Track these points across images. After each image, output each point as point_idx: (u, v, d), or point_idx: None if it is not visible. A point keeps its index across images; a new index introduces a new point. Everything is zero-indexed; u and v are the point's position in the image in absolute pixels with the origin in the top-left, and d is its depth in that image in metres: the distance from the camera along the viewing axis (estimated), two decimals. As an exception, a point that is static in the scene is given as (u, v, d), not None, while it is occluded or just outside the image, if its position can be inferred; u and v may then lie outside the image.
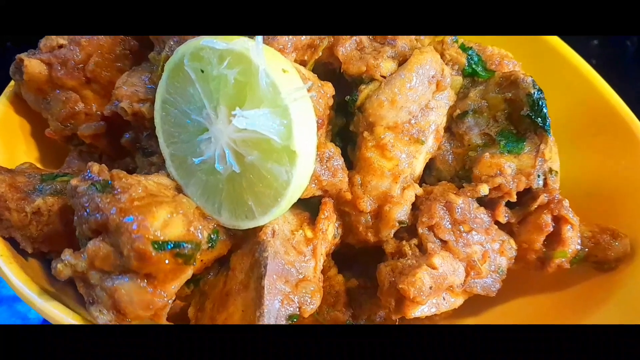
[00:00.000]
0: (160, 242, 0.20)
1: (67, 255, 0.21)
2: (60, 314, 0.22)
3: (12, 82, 0.33)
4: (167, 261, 0.20)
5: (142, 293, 0.21)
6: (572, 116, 0.36)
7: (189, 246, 0.21)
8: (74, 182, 0.22)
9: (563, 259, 0.28)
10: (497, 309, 0.33)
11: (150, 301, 0.21)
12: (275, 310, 0.22)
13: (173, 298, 0.22)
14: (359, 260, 0.31)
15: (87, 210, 0.21)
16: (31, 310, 0.27)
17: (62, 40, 0.31)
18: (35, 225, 0.25)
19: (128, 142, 0.30)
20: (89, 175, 0.22)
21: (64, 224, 0.26)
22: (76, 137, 0.32)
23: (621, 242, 0.29)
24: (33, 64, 0.30)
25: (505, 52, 0.29)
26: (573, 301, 0.31)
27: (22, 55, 0.30)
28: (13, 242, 0.26)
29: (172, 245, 0.20)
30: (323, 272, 0.28)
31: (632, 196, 0.32)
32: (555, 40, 0.36)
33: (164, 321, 0.23)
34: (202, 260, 0.24)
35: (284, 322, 0.23)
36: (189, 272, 0.22)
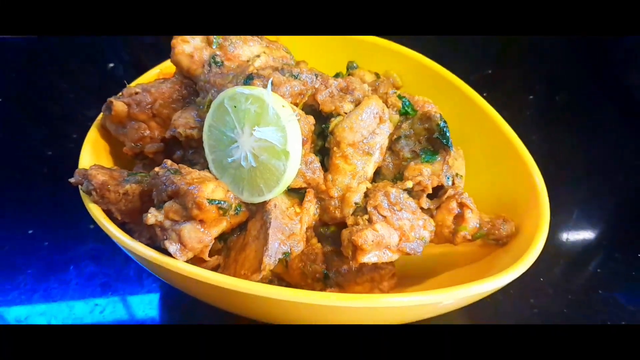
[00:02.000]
0: (210, 200, 0.35)
1: (153, 210, 0.36)
2: (144, 249, 0.36)
3: (99, 116, 0.49)
4: (213, 211, 0.35)
5: (197, 232, 0.35)
6: (485, 147, 0.51)
7: (226, 204, 0.35)
8: (156, 169, 0.37)
9: (465, 232, 0.42)
10: (438, 278, 0.47)
11: (201, 238, 0.35)
12: (275, 248, 0.37)
13: (213, 240, 0.36)
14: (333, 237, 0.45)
15: (165, 184, 0.36)
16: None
17: (137, 89, 0.46)
18: (124, 202, 0.40)
19: (178, 158, 0.45)
20: (165, 165, 0.37)
21: (141, 203, 0.40)
22: (142, 153, 0.47)
23: (509, 224, 0.43)
24: (118, 104, 0.45)
25: (427, 99, 0.45)
26: (486, 261, 0.44)
27: (111, 98, 0.46)
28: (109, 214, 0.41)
29: (216, 202, 0.35)
30: (307, 240, 0.42)
31: (519, 202, 0.46)
32: (472, 92, 0.52)
33: (206, 256, 0.37)
34: (230, 222, 0.38)
35: (280, 257, 0.37)
36: (224, 223, 0.36)
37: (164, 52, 0.58)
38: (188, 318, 0.50)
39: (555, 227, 0.58)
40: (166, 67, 0.55)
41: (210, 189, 0.35)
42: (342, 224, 0.42)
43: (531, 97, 0.76)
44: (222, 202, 0.35)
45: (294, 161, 0.37)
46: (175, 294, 0.52)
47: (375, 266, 0.42)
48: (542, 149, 0.68)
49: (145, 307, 0.50)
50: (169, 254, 0.36)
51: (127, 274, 0.54)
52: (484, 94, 0.73)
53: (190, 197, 0.34)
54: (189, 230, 0.35)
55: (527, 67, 0.80)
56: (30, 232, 0.57)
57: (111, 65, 0.80)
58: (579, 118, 0.73)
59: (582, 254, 0.56)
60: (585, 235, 0.58)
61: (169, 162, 0.37)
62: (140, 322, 0.49)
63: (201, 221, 0.35)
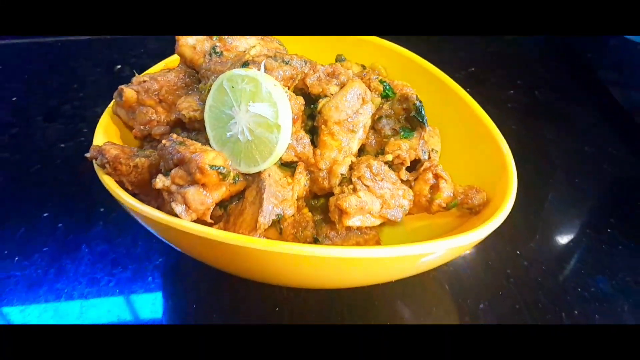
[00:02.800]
0: (211, 165, 0.39)
1: (161, 176, 0.40)
2: (153, 211, 0.40)
3: (110, 104, 0.54)
4: (214, 176, 0.39)
5: (200, 194, 0.40)
6: (460, 127, 0.56)
7: (225, 170, 0.40)
8: (163, 142, 0.42)
9: (440, 200, 0.47)
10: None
11: (203, 200, 0.40)
12: (269, 210, 0.41)
13: (215, 203, 0.41)
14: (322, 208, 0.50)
15: (171, 154, 0.41)
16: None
17: (145, 78, 0.52)
18: (134, 174, 0.45)
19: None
20: (171, 138, 0.42)
21: (149, 175, 0.45)
22: (149, 136, 0.52)
23: (481, 194, 0.48)
24: (128, 91, 0.50)
25: (405, 83, 0.50)
26: (461, 230, 0.48)
27: (122, 86, 0.51)
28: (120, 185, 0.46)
29: (217, 168, 0.40)
30: (299, 209, 0.47)
31: (490, 175, 0.50)
32: (450, 81, 0.57)
33: (208, 219, 0.41)
34: (229, 190, 0.43)
35: (274, 217, 0.41)
36: (223, 189, 0.41)
37: (167, 56, 0.64)
38: (189, 288, 0.54)
39: (531, 207, 0.63)
40: (171, 61, 0.60)
41: (211, 156, 0.40)
42: (330, 195, 0.47)
43: (512, 91, 0.81)
44: (222, 168, 0.40)
45: (285, 134, 0.42)
46: (178, 270, 0.56)
47: (360, 231, 0.46)
48: (520, 137, 0.73)
49: (152, 279, 0.55)
50: (175, 217, 0.40)
51: (134, 252, 0.58)
52: (468, 90, 0.78)
53: (194, 163, 0.39)
54: (193, 193, 0.40)
55: (508, 65, 0.85)
56: (45, 215, 0.62)
57: (118, 67, 0.85)
58: (555, 110, 0.78)
59: (556, 231, 0.61)
60: (559, 214, 0.63)
61: (174, 135, 0.42)
62: (150, 292, 0.54)
63: (204, 185, 0.40)
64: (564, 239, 0.60)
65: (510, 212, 0.60)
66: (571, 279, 0.55)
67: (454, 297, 0.54)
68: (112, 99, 0.52)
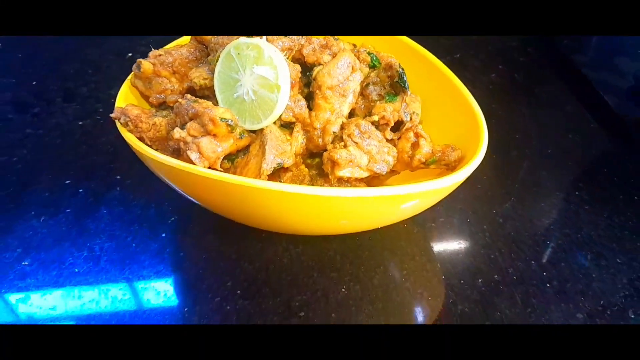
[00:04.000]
0: (222, 117, 0.46)
1: (177, 129, 0.47)
2: (170, 159, 0.47)
3: (129, 76, 0.61)
4: (223, 127, 0.46)
5: (211, 143, 0.46)
6: (439, 96, 0.62)
7: (233, 122, 0.47)
8: (180, 100, 0.48)
9: (420, 156, 0.53)
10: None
11: (214, 149, 0.46)
12: (270, 159, 0.48)
13: (224, 153, 0.47)
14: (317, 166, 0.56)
15: (187, 109, 0.47)
16: None
17: (161, 52, 0.58)
18: (153, 131, 0.51)
19: (193, 105, 0.57)
20: (187, 97, 0.49)
21: (166, 132, 0.52)
22: (164, 103, 0.58)
23: (457, 151, 0.54)
24: (146, 63, 0.57)
25: (390, 54, 0.57)
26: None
27: (140, 59, 0.58)
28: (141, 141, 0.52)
29: (226, 120, 0.46)
30: (296, 165, 0.54)
31: (466, 136, 0.56)
32: (433, 58, 0.63)
33: (218, 167, 0.48)
34: (236, 144, 0.49)
35: (275, 165, 0.48)
36: (231, 140, 0.47)
37: None
38: (198, 241, 0.60)
39: (508, 173, 0.69)
40: (182, 40, 0.67)
41: (221, 110, 0.46)
42: (324, 152, 0.54)
43: (493, 75, 0.88)
44: (230, 120, 0.47)
45: (284, 94, 0.49)
46: (188, 227, 0.62)
47: (350, 183, 0.53)
48: (500, 114, 0.80)
49: (165, 235, 0.61)
50: (190, 165, 0.47)
51: (148, 212, 0.65)
52: (454, 74, 0.85)
53: (206, 116, 0.46)
54: (206, 142, 0.46)
55: (490, 52, 0.92)
56: (67, 182, 0.68)
57: (129, 54, 0.92)
58: (532, 90, 0.85)
59: (529, 193, 0.67)
60: (532, 179, 0.69)
61: (189, 95, 0.49)
62: (163, 246, 0.60)
63: (215, 135, 0.46)
64: (536, 200, 0.66)
65: (489, 178, 0.67)
66: (541, 233, 0.62)
67: (435, 247, 0.60)
68: (123, 82, 0.59)
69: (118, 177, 0.69)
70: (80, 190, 0.67)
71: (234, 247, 0.59)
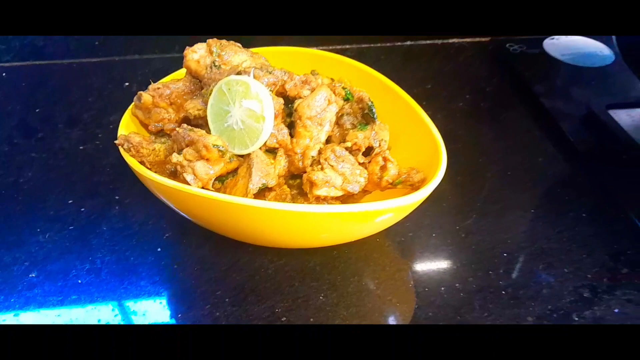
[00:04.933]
0: (214, 144, 0.53)
1: (175, 154, 0.54)
2: (168, 180, 0.54)
3: (130, 106, 0.68)
4: (215, 152, 0.53)
5: (205, 167, 0.53)
6: (405, 126, 0.70)
7: (224, 148, 0.54)
8: (177, 129, 0.56)
9: (388, 177, 0.61)
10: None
11: (207, 171, 0.53)
12: (256, 180, 0.55)
13: (216, 175, 0.54)
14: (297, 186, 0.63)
15: (183, 137, 0.54)
16: None
17: (159, 85, 0.66)
18: (152, 156, 0.58)
19: (188, 132, 0.64)
20: (183, 127, 0.56)
21: (164, 157, 0.59)
22: (162, 131, 0.65)
23: (420, 173, 0.61)
24: (146, 96, 0.64)
25: (362, 89, 0.65)
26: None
27: (141, 92, 0.65)
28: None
29: (217, 146, 0.53)
30: (279, 185, 0.61)
31: (428, 161, 0.63)
32: (400, 90, 0.72)
33: (210, 187, 0.55)
34: (226, 167, 0.56)
35: (260, 186, 0.55)
36: (222, 164, 0.54)
37: (168, 73, 0.78)
38: (191, 255, 0.67)
39: (470, 193, 0.77)
40: (176, 74, 0.74)
41: (213, 138, 0.54)
42: (304, 174, 0.61)
43: (461, 104, 0.97)
44: (221, 147, 0.54)
45: (269, 123, 0.56)
46: (182, 243, 0.69)
47: (327, 202, 0.60)
48: (465, 138, 0.88)
49: (161, 249, 0.68)
50: (185, 185, 0.54)
51: (146, 229, 0.71)
52: (424, 102, 0.94)
53: (201, 143, 0.53)
54: (200, 166, 0.53)
55: (459, 83, 1.01)
56: (70, 201, 0.75)
57: (127, 84, 1.00)
58: (496, 118, 0.94)
59: (489, 211, 0.75)
60: (493, 198, 0.77)
61: (185, 125, 0.56)
62: (159, 260, 0.66)
63: (208, 160, 0.54)
64: (496, 217, 0.74)
65: (454, 197, 0.75)
66: (499, 246, 0.70)
67: (404, 259, 0.68)
68: (123, 109, 0.66)
69: (117, 197, 0.75)
70: (83, 209, 0.73)
71: (224, 259, 0.66)
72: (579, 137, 0.85)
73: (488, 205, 0.76)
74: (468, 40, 1.17)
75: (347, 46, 1.13)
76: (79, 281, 0.64)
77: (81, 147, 0.85)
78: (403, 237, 0.70)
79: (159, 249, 0.68)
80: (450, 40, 1.16)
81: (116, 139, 0.62)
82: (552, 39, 1.13)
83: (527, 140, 0.89)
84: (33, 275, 0.64)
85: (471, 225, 0.73)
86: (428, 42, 1.16)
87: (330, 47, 1.12)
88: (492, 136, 0.90)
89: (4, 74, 1.02)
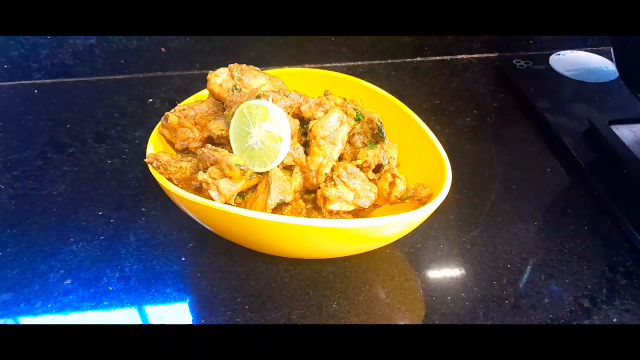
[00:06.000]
0: (236, 164, 0.58)
1: (201, 173, 0.59)
2: (194, 196, 0.59)
3: (157, 125, 0.73)
4: (238, 171, 0.58)
5: (228, 184, 0.58)
6: (412, 143, 0.74)
7: (245, 167, 0.59)
8: (202, 149, 0.61)
9: (396, 193, 0.65)
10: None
11: (230, 188, 0.58)
12: (274, 196, 0.60)
13: (238, 191, 0.59)
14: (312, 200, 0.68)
15: (208, 157, 0.59)
16: None
17: (184, 107, 0.71)
18: (180, 173, 0.63)
19: (211, 150, 0.69)
20: (208, 147, 0.61)
21: (190, 174, 0.64)
22: (187, 149, 0.71)
23: (427, 189, 0.66)
24: (172, 117, 0.70)
25: (372, 110, 0.70)
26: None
27: (167, 113, 0.70)
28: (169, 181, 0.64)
29: (240, 165, 0.58)
30: (294, 200, 0.65)
31: (433, 177, 0.68)
32: (407, 109, 0.76)
33: (233, 203, 0.60)
34: (247, 183, 0.61)
35: (278, 201, 0.60)
36: (243, 181, 0.59)
37: (189, 92, 0.84)
38: (213, 264, 0.72)
39: (475, 206, 0.81)
40: (199, 96, 0.80)
41: (236, 158, 0.59)
42: (318, 190, 0.66)
43: (468, 119, 1.01)
44: (243, 166, 0.59)
45: (286, 144, 0.61)
46: (205, 252, 0.74)
47: (339, 215, 0.65)
48: (471, 153, 0.92)
49: (185, 259, 0.73)
50: (210, 201, 0.59)
51: (170, 239, 0.76)
52: (432, 117, 0.98)
53: (224, 163, 0.58)
54: (223, 183, 0.58)
55: (466, 99, 1.05)
56: (100, 213, 0.80)
57: (150, 100, 1.06)
58: (502, 133, 0.97)
59: (493, 223, 0.79)
60: (497, 211, 0.81)
61: (210, 145, 0.61)
62: (183, 269, 0.71)
63: (230, 177, 0.59)
64: (499, 229, 0.78)
65: (460, 209, 0.79)
66: (502, 257, 0.73)
67: (413, 269, 0.72)
68: (147, 125, 0.72)
69: (143, 209, 0.80)
70: (112, 220, 0.79)
71: (243, 267, 0.71)
72: (581, 152, 0.89)
73: (492, 218, 0.80)
74: (476, 56, 1.21)
75: (359, 62, 1.18)
76: (110, 288, 0.69)
77: (109, 162, 0.90)
78: (411, 248, 0.75)
79: (183, 258, 0.73)
80: (459, 57, 1.20)
81: (141, 153, 0.67)
82: (558, 54, 1.17)
83: (530, 154, 0.92)
84: (68, 282, 0.70)
85: (476, 237, 0.77)
86: (437, 58, 1.20)
87: (343, 64, 1.17)
88: (497, 150, 0.94)
89: (35, 91, 1.09)
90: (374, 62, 1.19)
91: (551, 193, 0.85)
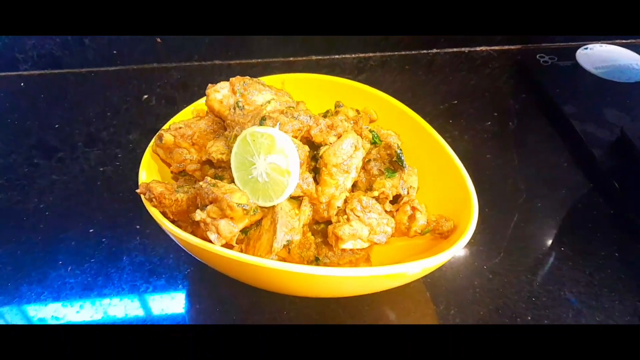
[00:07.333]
0: (238, 203, 0.52)
1: (198, 211, 0.53)
2: (191, 237, 0.53)
3: (150, 143, 0.66)
4: (240, 212, 0.52)
5: (229, 225, 0.52)
6: (433, 166, 0.67)
7: (248, 207, 0.53)
8: (200, 183, 0.54)
9: (416, 228, 0.59)
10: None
11: (231, 230, 0.52)
12: (281, 237, 0.54)
13: (239, 232, 0.53)
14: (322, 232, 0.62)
15: (207, 193, 0.53)
16: None
17: (181, 125, 0.64)
18: (175, 206, 0.57)
19: (211, 174, 0.62)
20: (207, 181, 0.54)
21: (187, 207, 0.57)
22: (184, 171, 0.64)
23: (449, 222, 0.60)
24: (167, 136, 0.63)
25: (390, 132, 0.62)
26: (434, 250, 0.60)
27: (162, 132, 0.63)
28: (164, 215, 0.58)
29: (242, 205, 0.52)
30: (304, 233, 0.59)
31: (457, 207, 0.61)
32: (424, 123, 0.69)
33: (234, 243, 0.54)
34: (250, 220, 0.55)
35: (285, 243, 0.54)
36: (246, 220, 0.53)
37: (188, 87, 0.76)
38: (213, 293, 0.66)
39: (497, 228, 0.75)
40: (198, 105, 0.72)
41: (238, 196, 0.52)
42: (329, 222, 0.59)
43: (488, 123, 0.93)
44: (245, 205, 0.52)
45: (294, 178, 0.54)
46: (204, 278, 0.68)
47: (353, 252, 0.59)
48: (492, 165, 0.85)
49: (183, 286, 0.67)
50: (208, 241, 0.53)
51: (167, 263, 0.71)
52: (450, 121, 0.91)
53: (225, 202, 0.51)
54: (224, 225, 0.52)
55: (486, 100, 0.97)
56: (91, 230, 0.74)
57: (145, 96, 0.98)
58: (524, 141, 0.90)
59: (516, 249, 0.73)
60: (520, 234, 0.75)
61: (209, 178, 0.55)
62: (180, 297, 0.66)
63: (232, 218, 0.52)
64: (522, 256, 0.72)
65: (481, 233, 0.73)
66: (526, 289, 0.68)
67: (430, 302, 0.66)
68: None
69: (138, 226, 0.74)
70: (104, 240, 0.73)
71: (245, 299, 0.65)
72: (611, 166, 0.82)
73: (514, 243, 0.74)
74: (496, 48, 1.12)
75: (371, 54, 1.09)
76: (101, 317, 0.64)
77: (101, 169, 0.84)
78: (429, 278, 0.69)
79: (180, 286, 0.68)
80: (477, 49, 1.12)
81: (135, 160, 0.61)
82: (586, 48, 1.08)
83: (556, 167, 0.85)
84: (56, 314, 0.65)
85: (497, 265, 0.71)
86: (454, 50, 1.12)
87: (354, 56, 1.08)
88: (520, 162, 0.87)
89: (22, 84, 1.01)
90: (387, 53, 1.10)
91: (578, 213, 0.79)
